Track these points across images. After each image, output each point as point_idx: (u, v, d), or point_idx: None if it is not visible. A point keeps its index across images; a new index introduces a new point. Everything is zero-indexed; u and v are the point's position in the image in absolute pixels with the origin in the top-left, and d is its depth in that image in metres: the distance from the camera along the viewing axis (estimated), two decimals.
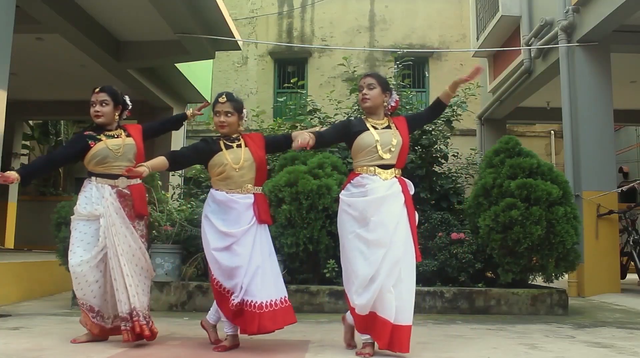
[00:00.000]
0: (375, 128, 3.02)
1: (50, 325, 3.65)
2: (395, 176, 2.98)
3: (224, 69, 12.94)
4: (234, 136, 3.17)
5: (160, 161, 2.99)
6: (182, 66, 8.44)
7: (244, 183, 3.05)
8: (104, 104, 3.20)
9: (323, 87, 11.87)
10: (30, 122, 12.50)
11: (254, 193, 3.07)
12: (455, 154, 6.23)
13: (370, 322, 2.79)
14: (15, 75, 7.60)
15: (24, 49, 7.32)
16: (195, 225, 4.76)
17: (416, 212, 3.03)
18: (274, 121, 6.79)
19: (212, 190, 3.13)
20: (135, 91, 8.20)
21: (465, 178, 6.31)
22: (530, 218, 4.42)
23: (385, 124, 3.06)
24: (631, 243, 6.80)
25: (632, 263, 6.84)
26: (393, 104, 3.14)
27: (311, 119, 6.40)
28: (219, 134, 3.19)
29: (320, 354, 2.85)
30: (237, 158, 3.06)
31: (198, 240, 4.74)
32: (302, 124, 6.28)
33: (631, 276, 7.48)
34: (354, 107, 6.26)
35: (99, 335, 3.13)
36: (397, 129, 3.06)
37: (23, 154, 11.69)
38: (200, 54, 7.59)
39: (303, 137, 2.84)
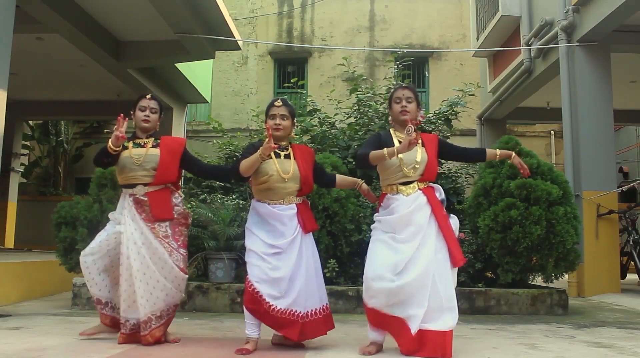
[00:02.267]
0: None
1: (50, 325, 3.64)
2: (419, 189, 2.95)
3: (224, 69, 12.94)
4: (283, 144, 3.09)
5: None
6: (182, 66, 8.44)
7: (287, 194, 3.00)
8: (153, 111, 3.25)
9: (323, 87, 11.87)
10: (30, 122, 12.51)
11: (296, 204, 3.03)
12: None
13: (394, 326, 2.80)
14: (15, 75, 7.60)
15: (24, 49, 7.33)
16: (195, 225, 4.75)
17: (453, 216, 3.02)
18: None
19: (253, 201, 3.08)
20: (135, 91, 8.19)
21: (465, 178, 6.31)
22: (529, 218, 4.42)
23: None
24: (631, 243, 6.80)
25: (632, 263, 6.84)
26: (420, 118, 3.12)
27: (311, 119, 6.40)
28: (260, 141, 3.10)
29: (320, 354, 2.85)
30: (285, 169, 3.00)
31: (198, 240, 4.75)
32: (301, 124, 6.28)
33: (631, 276, 7.48)
34: (354, 107, 6.26)
35: (111, 326, 3.16)
36: (424, 146, 3.04)
37: (23, 154, 11.68)
38: (200, 54, 7.59)
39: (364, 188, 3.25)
